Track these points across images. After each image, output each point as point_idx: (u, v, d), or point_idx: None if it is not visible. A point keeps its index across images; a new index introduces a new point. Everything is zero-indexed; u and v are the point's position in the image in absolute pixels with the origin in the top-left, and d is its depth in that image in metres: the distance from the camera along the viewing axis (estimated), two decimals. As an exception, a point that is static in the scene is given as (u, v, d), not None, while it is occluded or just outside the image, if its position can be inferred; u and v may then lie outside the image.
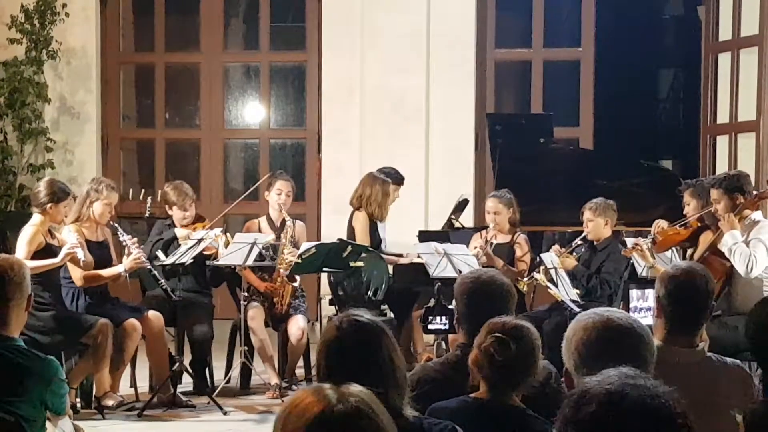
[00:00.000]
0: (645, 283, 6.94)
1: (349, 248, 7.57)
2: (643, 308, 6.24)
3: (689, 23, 12.23)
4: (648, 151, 13.34)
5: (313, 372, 7.88)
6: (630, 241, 7.26)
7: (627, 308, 6.48)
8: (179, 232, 7.64)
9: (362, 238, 8.11)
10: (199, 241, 7.29)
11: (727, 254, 6.37)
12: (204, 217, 8.00)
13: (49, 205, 6.79)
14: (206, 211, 8.60)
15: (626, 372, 2.03)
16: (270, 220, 7.97)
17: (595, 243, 7.65)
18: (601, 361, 2.57)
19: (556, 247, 7.65)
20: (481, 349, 3.34)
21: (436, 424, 2.94)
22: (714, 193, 6.61)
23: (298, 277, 7.76)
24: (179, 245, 7.45)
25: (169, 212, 7.77)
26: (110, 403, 6.89)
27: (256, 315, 7.58)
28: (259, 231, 7.82)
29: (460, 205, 9.15)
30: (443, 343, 6.61)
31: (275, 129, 11.61)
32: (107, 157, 11.06)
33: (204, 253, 7.43)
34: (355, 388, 1.98)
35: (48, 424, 4.02)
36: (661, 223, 7.34)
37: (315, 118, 10.87)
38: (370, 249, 7.87)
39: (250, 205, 9.48)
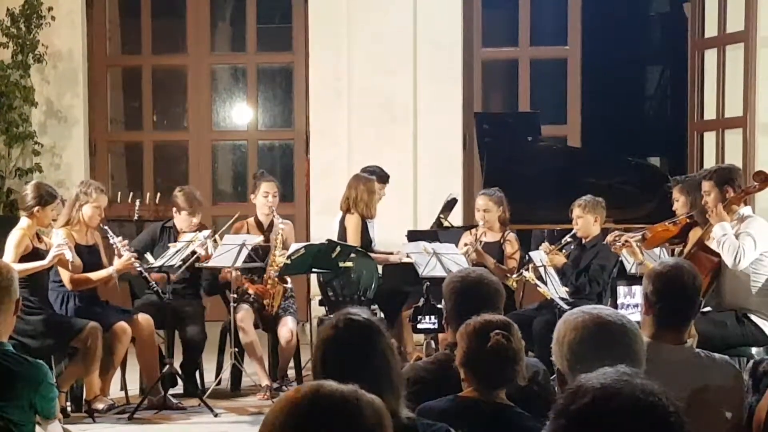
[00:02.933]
0: (632, 279, 6.95)
1: (338, 249, 7.57)
2: (630, 305, 6.24)
3: (675, 20, 12.26)
4: (636, 148, 13.34)
5: (305, 373, 7.92)
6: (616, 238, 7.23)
7: (615, 305, 6.48)
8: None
9: (354, 239, 8.12)
10: (188, 243, 7.29)
11: (715, 246, 6.38)
12: (205, 225, 8.01)
13: (36, 208, 6.78)
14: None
15: (623, 369, 2.04)
16: (258, 222, 7.98)
17: (584, 241, 7.67)
18: (595, 359, 2.58)
19: (545, 244, 7.65)
20: (486, 348, 3.34)
21: (431, 426, 2.94)
22: (705, 185, 6.62)
23: (289, 278, 7.76)
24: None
25: (176, 215, 7.77)
26: (101, 406, 6.88)
27: (245, 316, 7.57)
28: (248, 233, 7.83)
29: (449, 205, 9.15)
30: (432, 343, 6.61)
31: (263, 130, 11.60)
32: (95, 161, 11.03)
33: (198, 257, 7.43)
34: (339, 384, 1.99)
35: (38, 428, 4.01)
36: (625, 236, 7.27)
37: (303, 119, 10.87)
38: (359, 249, 7.88)
39: (238, 206, 9.44)
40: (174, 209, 7.80)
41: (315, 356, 2.93)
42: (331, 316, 7.72)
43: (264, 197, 7.93)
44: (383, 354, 2.88)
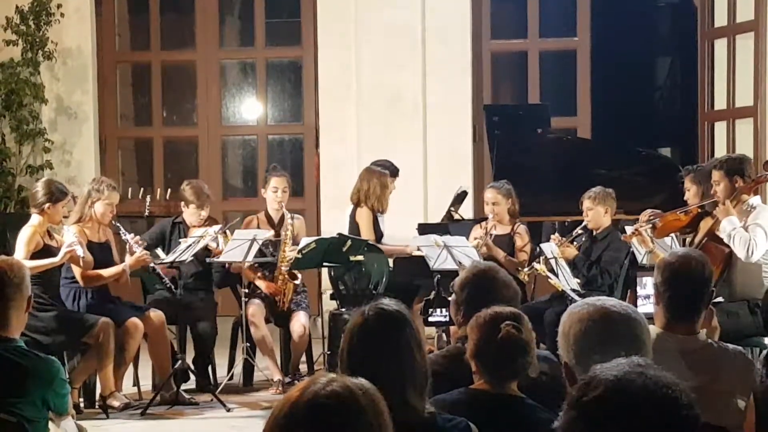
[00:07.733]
0: (645, 270, 6.93)
1: (349, 242, 7.57)
2: (641, 296, 6.22)
3: (684, 10, 12.22)
4: (646, 139, 13.30)
5: (317, 367, 7.93)
6: (629, 229, 7.23)
7: (635, 296, 6.45)
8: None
9: (367, 233, 8.10)
10: (199, 238, 7.29)
11: (726, 240, 6.37)
12: (216, 219, 8.01)
13: (46, 205, 6.80)
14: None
15: (637, 361, 2.03)
16: (268, 217, 7.97)
17: (594, 232, 7.65)
18: (602, 350, 2.57)
19: (556, 236, 7.64)
20: (497, 340, 3.33)
21: (450, 421, 2.94)
22: (715, 175, 6.60)
23: (299, 275, 7.75)
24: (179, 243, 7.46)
25: (184, 209, 7.76)
26: (116, 404, 6.89)
27: (256, 311, 7.58)
28: (258, 227, 7.82)
29: (459, 197, 9.14)
30: (444, 336, 6.61)
31: (272, 125, 11.61)
32: (105, 157, 11.05)
33: (209, 248, 7.45)
34: (348, 378, 2.00)
35: (51, 424, 4.02)
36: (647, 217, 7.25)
37: (312, 114, 10.87)
38: (370, 243, 7.87)
39: (249, 201, 9.48)
40: (182, 203, 7.80)
41: (342, 345, 2.93)
42: (343, 309, 7.76)
43: (273, 192, 7.90)
44: (408, 347, 2.88)
